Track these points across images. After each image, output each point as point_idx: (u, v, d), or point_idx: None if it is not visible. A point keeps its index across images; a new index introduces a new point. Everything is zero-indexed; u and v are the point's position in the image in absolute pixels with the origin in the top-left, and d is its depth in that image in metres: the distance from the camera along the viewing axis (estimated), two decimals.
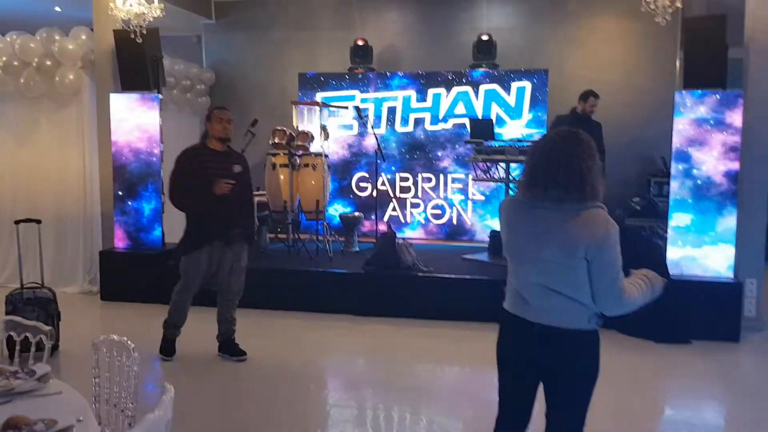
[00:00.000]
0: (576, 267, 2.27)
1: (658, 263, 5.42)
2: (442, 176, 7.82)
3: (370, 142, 7.66)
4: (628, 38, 7.83)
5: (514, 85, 7.64)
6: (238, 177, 4.51)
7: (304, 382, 4.47)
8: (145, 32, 6.02)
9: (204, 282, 4.64)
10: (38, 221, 5.17)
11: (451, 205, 7.80)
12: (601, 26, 7.92)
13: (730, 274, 5.43)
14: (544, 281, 2.32)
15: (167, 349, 4.74)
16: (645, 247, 5.66)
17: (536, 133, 7.39)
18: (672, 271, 5.44)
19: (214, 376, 4.58)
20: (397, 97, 7.86)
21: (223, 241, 4.55)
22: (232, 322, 4.76)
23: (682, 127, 5.43)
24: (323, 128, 7.00)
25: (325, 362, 5.05)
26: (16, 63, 6.83)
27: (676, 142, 5.45)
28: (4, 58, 6.83)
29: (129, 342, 2.27)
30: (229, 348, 4.76)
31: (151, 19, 6.01)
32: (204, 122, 4.80)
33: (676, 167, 5.47)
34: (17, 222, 5.15)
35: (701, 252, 5.47)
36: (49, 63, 6.77)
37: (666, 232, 5.64)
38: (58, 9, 8.23)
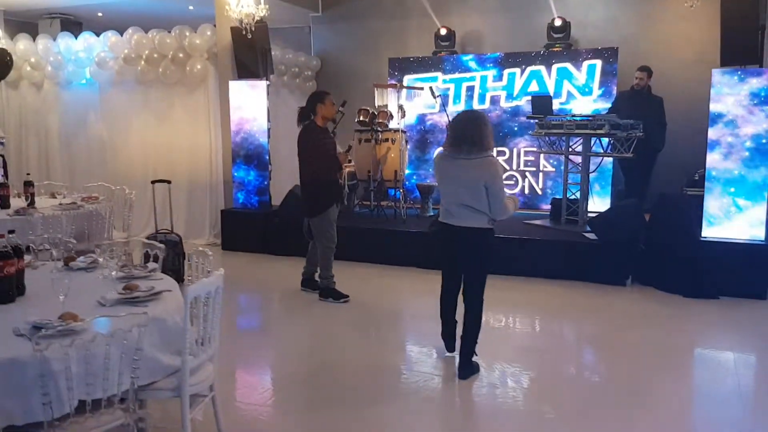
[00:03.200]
0: (480, 191, 3.86)
1: (691, 228, 5.94)
2: (515, 150, 8.53)
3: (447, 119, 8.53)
4: (701, 16, 8.04)
5: (585, 63, 8.17)
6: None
7: (371, 311, 5.56)
8: (254, 29, 7.28)
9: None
10: (168, 181, 6.61)
11: (523, 177, 8.51)
12: (674, 5, 8.18)
13: (762, 235, 5.81)
14: (462, 201, 3.92)
15: (339, 294, 5.73)
16: (682, 214, 6.10)
17: (605, 108, 7.89)
18: (706, 232, 5.93)
19: (308, 309, 5.77)
20: (475, 77, 8.65)
21: (338, 199, 5.73)
22: (317, 265, 5.92)
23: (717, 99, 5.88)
24: (400, 107, 7.97)
25: (393, 301, 6.09)
26: (156, 55, 8.38)
27: (714, 109, 5.89)
28: (147, 51, 8.40)
29: (208, 251, 3.43)
30: (312, 284, 5.97)
31: (259, 18, 7.26)
32: (306, 101, 5.68)
33: (714, 133, 5.90)
34: (153, 182, 6.64)
35: (734, 214, 5.89)
36: (181, 55, 8.26)
37: None
38: (191, 8, 9.78)
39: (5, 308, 2.76)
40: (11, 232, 2.95)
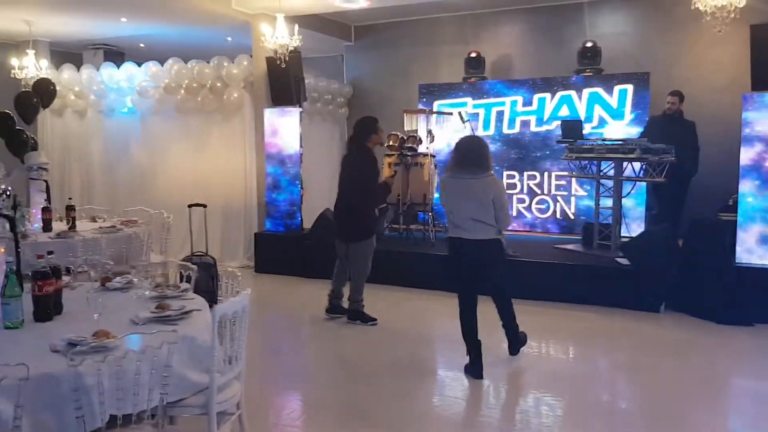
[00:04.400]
0: (489, 205, 4.36)
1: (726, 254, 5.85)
2: (546, 174, 8.52)
3: None
4: (732, 40, 7.96)
5: (617, 88, 8.16)
6: None
7: (398, 335, 5.59)
8: (288, 58, 7.49)
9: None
10: (204, 205, 6.79)
11: (555, 201, 8.48)
12: (705, 30, 8.10)
13: None
14: (473, 216, 4.38)
15: (367, 317, 5.79)
16: (716, 240, 6.01)
17: (637, 133, 7.85)
18: (740, 257, 5.83)
19: (337, 331, 5.83)
20: (505, 102, 8.71)
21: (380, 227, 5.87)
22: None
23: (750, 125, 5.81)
24: (429, 132, 8.07)
25: (422, 324, 6.11)
26: (195, 85, 8.67)
27: (745, 135, 5.83)
28: (186, 81, 8.70)
29: (237, 272, 3.53)
30: (339, 309, 6.02)
31: (292, 48, 7.46)
32: (348, 128, 5.91)
33: (744, 158, 5.84)
34: (190, 206, 6.82)
35: None
36: (219, 84, 8.53)
37: None
38: (229, 39, 10.11)
39: (43, 326, 2.89)
40: (50, 253, 3.09)
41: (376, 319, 5.79)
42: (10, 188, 2.97)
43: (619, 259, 6.52)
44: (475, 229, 4.38)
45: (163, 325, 2.85)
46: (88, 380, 2.35)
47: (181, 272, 3.99)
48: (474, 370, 4.50)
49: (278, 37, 7.38)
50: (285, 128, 8.06)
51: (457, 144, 4.59)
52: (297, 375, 4.82)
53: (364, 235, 5.69)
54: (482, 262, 4.45)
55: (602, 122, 8.22)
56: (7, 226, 2.86)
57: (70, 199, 6.29)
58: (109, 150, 9.50)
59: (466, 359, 4.60)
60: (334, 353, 5.25)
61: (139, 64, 9.09)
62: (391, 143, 7.98)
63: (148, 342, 2.50)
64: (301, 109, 8.10)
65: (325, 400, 4.24)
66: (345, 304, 6.00)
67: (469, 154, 4.42)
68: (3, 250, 2.90)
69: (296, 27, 7.34)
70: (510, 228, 8.01)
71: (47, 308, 2.95)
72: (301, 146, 8.06)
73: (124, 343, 2.49)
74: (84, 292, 3.55)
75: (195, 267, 3.94)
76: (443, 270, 4.93)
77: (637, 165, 6.98)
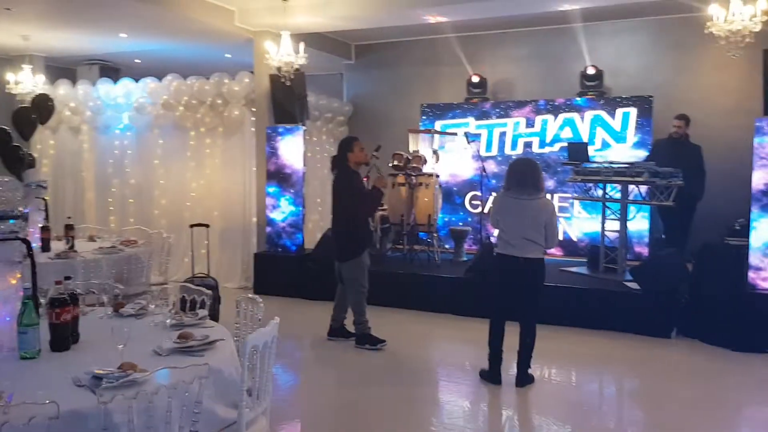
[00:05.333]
0: (540, 226, 4.56)
1: (739, 279, 5.79)
2: (548, 195, 8.44)
3: (480, 164, 8.50)
4: (740, 64, 7.99)
5: (620, 111, 8.16)
6: None
7: (405, 361, 5.45)
8: (292, 76, 7.40)
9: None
10: (207, 225, 6.65)
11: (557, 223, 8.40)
12: (710, 54, 8.16)
13: None
14: (523, 234, 4.56)
15: (375, 339, 5.67)
16: (728, 264, 5.96)
17: (640, 156, 7.83)
18: (754, 283, 5.78)
19: (341, 356, 5.67)
20: (507, 123, 8.67)
21: (370, 244, 5.73)
22: (346, 312, 5.89)
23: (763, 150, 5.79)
24: (435, 152, 7.99)
25: (424, 348, 5.99)
26: (194, 102, 8.54)
27: (757, 161, 5.81)
28: (185, 98, 8.56)
29: (257, 298, 3.39)
30: (343, 332, 5.89)
31: (298, 66, 7.38)
32: (337, 149, 5.73)
33: (757, 185, 5.81)
34: (192, 226, 6.68)
35: None
36: (219, 101, 8.41)
37: None
38: (228, 56, 9.99)
39: (61, 356, 2.74)
40: (68, 278, 2.95)
41: (385, 341, 5.66)
42: (27, 210, 2.81)
43: (628, 283, 6.46)
44: (525, 248, 4.57)
45: (190, 356, 2.72)
46: (117, 417, 2.21)
47: (183, 296, 3.83)
48: (491, 375, 4.83)
49: (283, 54, 7.29)
50: (288, 147, 7.94)
51: (513, 164, 4.83)
52: (299, 403, 4.69)
53: (352, 255, 5.59)
54: (528, 280, 4.64)
55: (605, 145, 8.20)
56: (25, 250, 2.71)
57: (69, 218, 6.13)
58: (104, 167, 9.30)
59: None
60: (337, 381, 5.10)
61: (136, 80, 8.94)
62: (395, 163, 7.90)
63: (179, 376, 2.36)
64: (304, 128, 7.99)
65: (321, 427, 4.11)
66: (350, 327, 5.87)
67: (526, 175, 4.60)
68: (19, 275, 2.74)
69: (302, 45, 7.26)
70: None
71: (65, 337, 2.80)
72: (304, 165, 7.93)
73: (154, 377, 2.34)
74: (96, 318, 3.42)
75: (209, 292, 3.80)
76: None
77: (643, 188, 6.95)
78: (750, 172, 7.84)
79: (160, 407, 2.29)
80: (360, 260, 5.59)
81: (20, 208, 2.67)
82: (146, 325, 3.26)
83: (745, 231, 6.98)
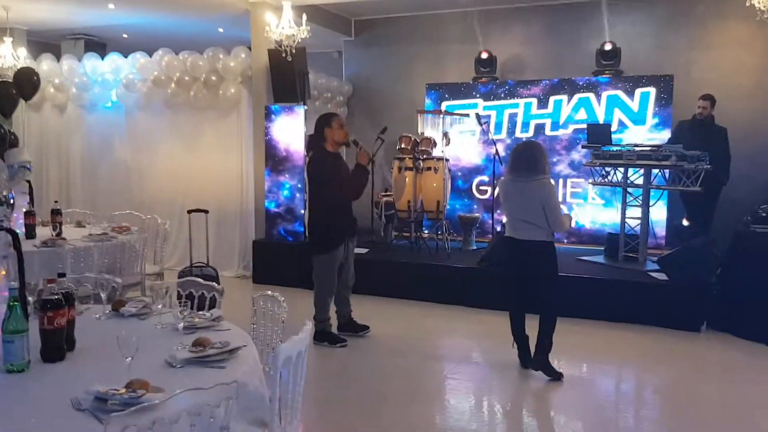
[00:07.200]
0: (538, 208, 4.39)
1: None
2: (562, 181, 8.08)
3: (491, 147, 8.08)
4: (758, 42, 7.66)
5: (638, 91, 7.77)
6: None
7: (420, 357, 5.07)
8: (294, 51, 6.92)
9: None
10: (206, 211, 6.19)
11: (570, 209, 8.04)
12: (730, 30, 7.80)
13: None
14: (524, 217, 4.47)
15: (333, 337, 5.26)
16: (764, 254, 5.63)
17: (659, 139, 7.47)
18: None
19: (339, 351, 5.25)
20: (519, 104, 8.25)
21: (351, 235, 5.26)
22: (349, 304, 5.47)
23: None
24: (445, 135, 7.56)
25: (438, 343, 5.62)
26: (187, 78, 8.01)
27: None
28: (178, 74, 8.03)
29: (279, 296, 2.97)
30: (352, 326, 5.46)
31: (300, 40, 6.90)
32: (314, 127, 5.18)
33: None
34: (189, 211, 6.22)
35: None
36: (214, 78, 7.90)
37: None
38: (220, 30, 9.46)
39: (55, 368, 2.31)
40: (62, 275, 2.51)
41: (345, 341, 5.24)
42: (12, 195, 2.36)
43: (654, 274, 6.11)
44: (525, 230, 4.49)
45: (209, 368, 2.30)
46: None
47: (191, 291, 3.40)
48: (520, 359, 4.76)
49: (285, 27, 6.81)
50: (288, 127, 7.47)
51: (513, 149, 4.73)
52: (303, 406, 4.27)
53: (324, 249, 5.10)
54: (531, 262, 4.52)
55: (622, 127, 7.81)
56: (11, 241, 2.26)
57: (56, 202, 5.64)
58: (90, 148, 8.78)
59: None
60: (341, 380, 4.69)
61: (125, 56, 8.40)
62: (403, 146, 7.46)
63: (203, 398, 1.94)
64: (306, 108, 7.52)
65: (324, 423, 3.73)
66: (357, 319, 5.49)
67: (522, 157, 4.53)
68: (4, 272, 2.30)
69: (304, 16, 6.78)
70: None
71: (59, 345, 2.37)
72: (305, 147, 7.48)
73: (175, 402, 1.91)
74: (92, 318, 2.98)
75: (221, 287, 3.38)
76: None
77: (665, 172, 6.58)
78: None
79: None
80: (332, 255, 5.09)
81: (4, 193, 2.22)
82: (151, 327, 2.84)
83: None
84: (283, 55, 6.91)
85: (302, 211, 7.45)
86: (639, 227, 6.74)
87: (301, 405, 2.52)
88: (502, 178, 4.91)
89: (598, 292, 6.09)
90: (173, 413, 1.85)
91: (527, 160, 4.48)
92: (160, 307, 2.90)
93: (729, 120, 7.13)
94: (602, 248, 7.20)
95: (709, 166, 6.11)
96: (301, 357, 2.38)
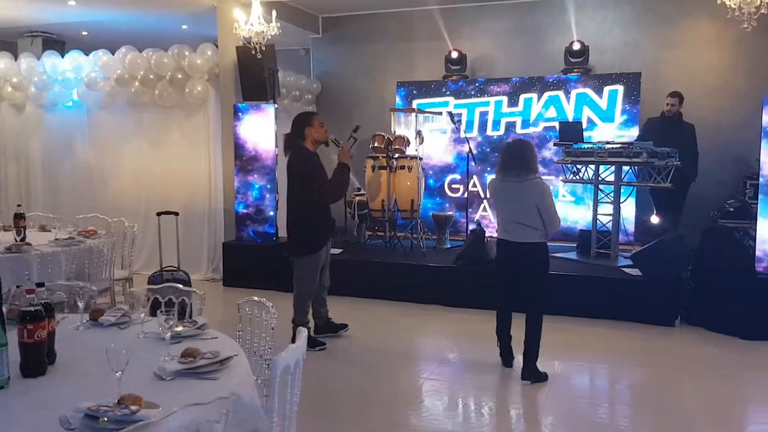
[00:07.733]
0: (532, 209, 4.26)
1: (747, 263, 5.56)
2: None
3: (463, 146, 8.08)
4: (725, 41, 7.80)
5: (606, 89, 7.85)
6: None
7: (396, 358, 5.02)
8: (264, 48, 6.78)
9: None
10: (176, 213, 6.02)
11: None
12: (697, 29, 7.94)
13: None
14: (517, 219, 4.33)
15: (312, 341, 5.05)
16: (735, 248, 5.74)
17: (628, 136, 7.56)
18: (762, 267, 5.56)
19: (320, 353, 5.16)
20: (489, 102, 8.26)
21: (332, 236, 5.18)
22: (326, 305, 5.39)
23: None
24: (418, 133, 7.51)
25: (415, 343, 5.57)
26: (151, 76, 7.79)
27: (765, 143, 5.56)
28: (142, 72, 7.81)
29: (268, 302, 2.87)
30: (330, 326, 5.38)
31: (269, 37, 6.77)
32: (292, 126, 5.03)
33: (763, 170, 5.57)
34: (159, 214, 6.03)
35: None
36: (180, 76, 7.69)
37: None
38: (184, 27, 9.23)
39: (37, 384, 2.18)
40: (40, 285, 2.37)
41: (324, 344, 5.15)
42: None
43: (627, 270, 6.18)
44: (519, 232, 4.36)
45: (201, 380, 2.20)
46: None
47: (170, 298, 3.28)
48: (502, 358, 4.73)
49: (253, 23, 6.66)
50: (258, 126, 7.32)
51: (502, 148, 4.67)
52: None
53: (308, 250, 4.98)
54: (524, 265, 4.41)
55: (591, 124, 7.89)
56: None
57: (19, 206, 5.39)
58: (51, 149, 8.48)
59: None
60: (317, 383, 4.59)
61: (87, 54, 8.12)
62: (376, 144, 7.39)
63: (200, 414, 1.85)
64: (276, 106, 7.39)
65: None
66: (335, 319, 5.41)
67: (512, 157, 4.37)
68: None
69: (274, 13, 6.65)
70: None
71: (40, 359, 2.23)
72: (276, 147, 7.34)
73: (172, 418, 1.81)
74: (69, 328, 2.84)
75: (202, 293, 3.26)
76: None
77: (635, 169, 6.66)
78: (738, 153, 7.74)
79: None
80: (316, 257, 4.99)
81: None
82: (133, 336, 2.72)
83: (739, 213, 6.84)
84: (253, 52, 6.77)
85: (271, 213, 7.33)
86: (610, 224, 6.82)
87: (296, 419, 2.43)
88: (492, 178, 4.74)
89: (573, 289, 6.12)
90: (171, 430, 1.76)
91: (517, 160, 4.30)
92: (142, 315, 2.78)
93: (696, 117, 7.27)
94: (574, 245, 7.25)
95: (678, 163, 6.20)
96: (299, 366, 2.30)
